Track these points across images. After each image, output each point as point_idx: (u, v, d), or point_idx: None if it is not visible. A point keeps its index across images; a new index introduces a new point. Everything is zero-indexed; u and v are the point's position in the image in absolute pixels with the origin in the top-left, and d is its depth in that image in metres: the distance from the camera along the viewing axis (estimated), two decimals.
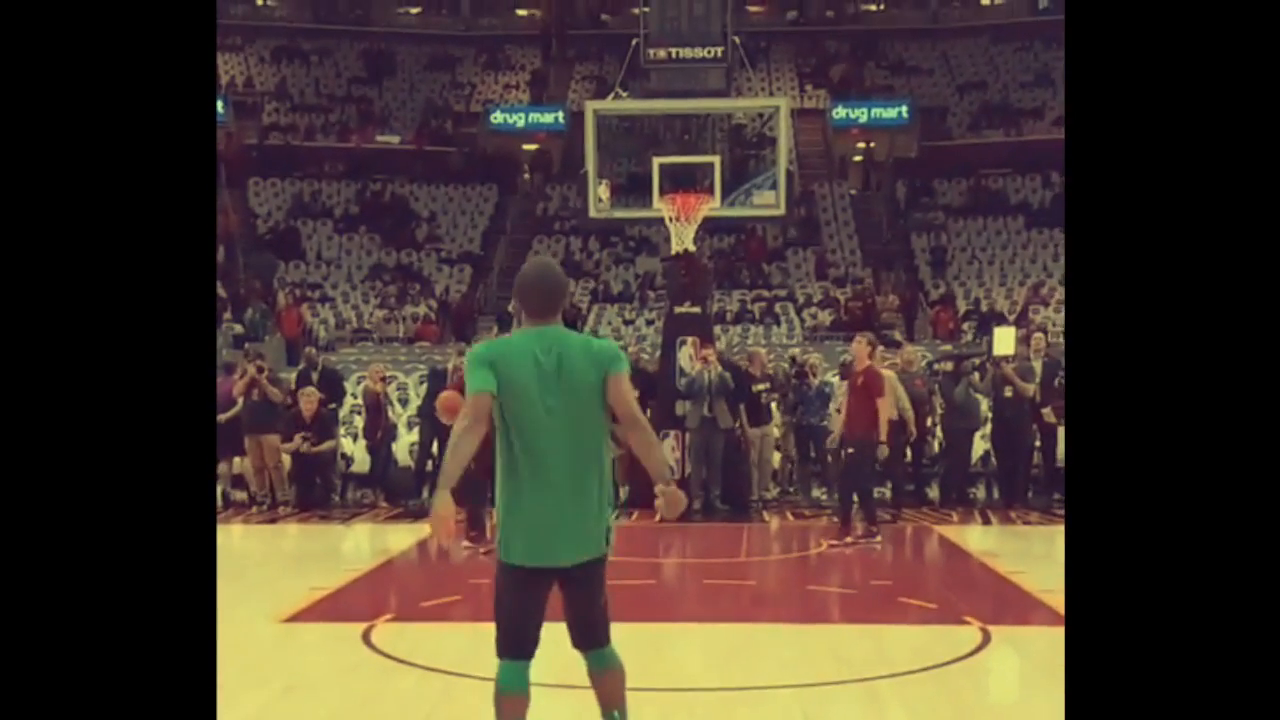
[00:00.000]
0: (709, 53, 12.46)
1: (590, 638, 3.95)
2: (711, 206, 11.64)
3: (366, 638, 6.64)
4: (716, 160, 12.37)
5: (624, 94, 12.62)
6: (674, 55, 12.33)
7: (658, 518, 11.07)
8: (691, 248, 12.04)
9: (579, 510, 3.77)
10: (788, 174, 12.84)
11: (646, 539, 10.66)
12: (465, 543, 9.75)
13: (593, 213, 12.20)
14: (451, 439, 3.78)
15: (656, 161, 11.87)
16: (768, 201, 12.49)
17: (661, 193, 11.74)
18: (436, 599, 7.91)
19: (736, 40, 13.03)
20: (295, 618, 7.35)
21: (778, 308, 24.34)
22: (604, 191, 11.81)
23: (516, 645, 3.85)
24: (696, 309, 12.65)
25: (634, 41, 12.96)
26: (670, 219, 11.54)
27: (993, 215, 28.34)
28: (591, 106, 11.39)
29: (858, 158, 31.89)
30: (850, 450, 9.99)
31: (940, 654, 6.20)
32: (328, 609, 7.70)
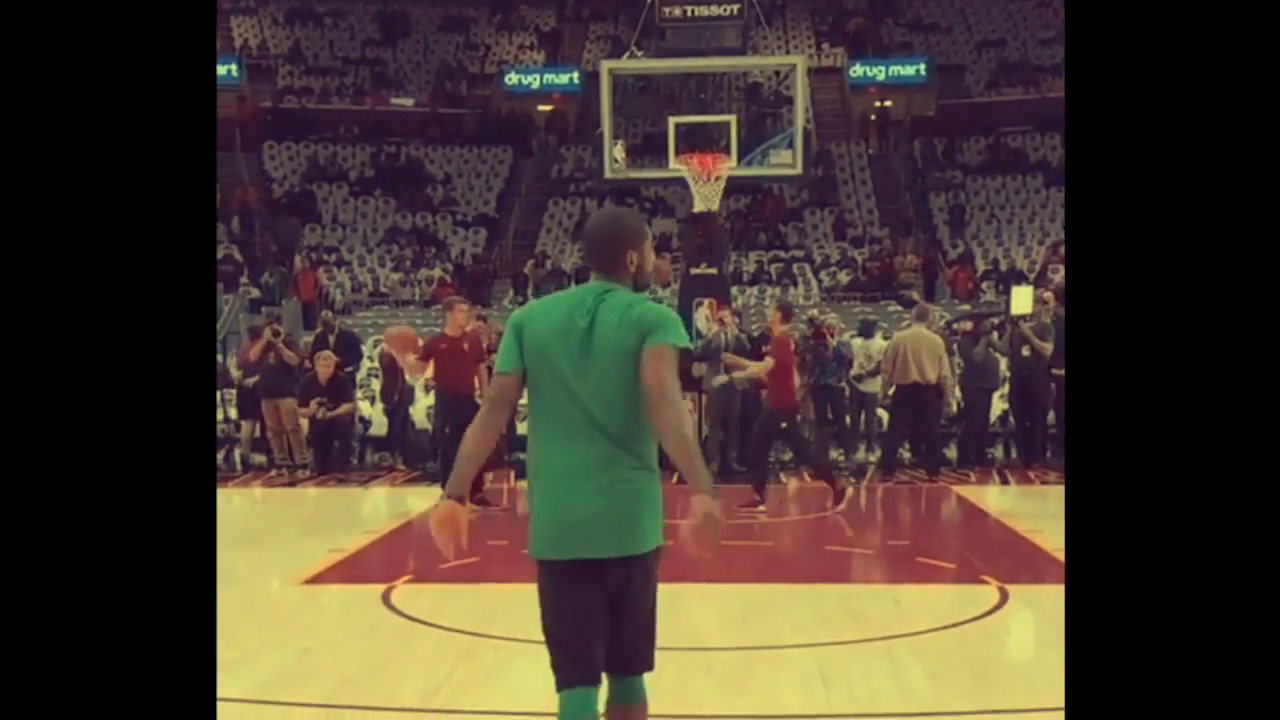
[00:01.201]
0: (725, 10, 12.31)
1: (620, 658, 3.21)
2: (729, 166, 11.55)
3: (386, 599, 6.67)
4: (733, 120, 12.26)
5: (640, 53, 12.49)
6: (689, 13, 12.19)
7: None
8: (715, 208, 11.96)
9: (612, 495, 3.11)
10: (805, 133, 12.72)
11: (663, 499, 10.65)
12: (472, 506, 9.78)
13: (608, 173, 12.12)
14: (469, 429, 3.33)
15: (672, 121, 11.76)
16: (785, 161, 12.39)
17: (677, 153, 11.66)
18: (453, 561, 7.91)
19: None
20: (315, 579, 7.40)
21: (795, 268, 24.24)
22: (620, 152, 11.72)
23: (570, 665, 3.16)
24: (713, 270, 12.59)
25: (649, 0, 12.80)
26: (693, 179, 11.44)
27: (1012, 174, 28.10)
28: (607, 66, 11.29)
29: (875, 116, 31.61)
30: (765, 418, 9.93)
31: (958, 613, 6.20)
32: (347, 571, 7.74)
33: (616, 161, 11.86)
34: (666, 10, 12.83)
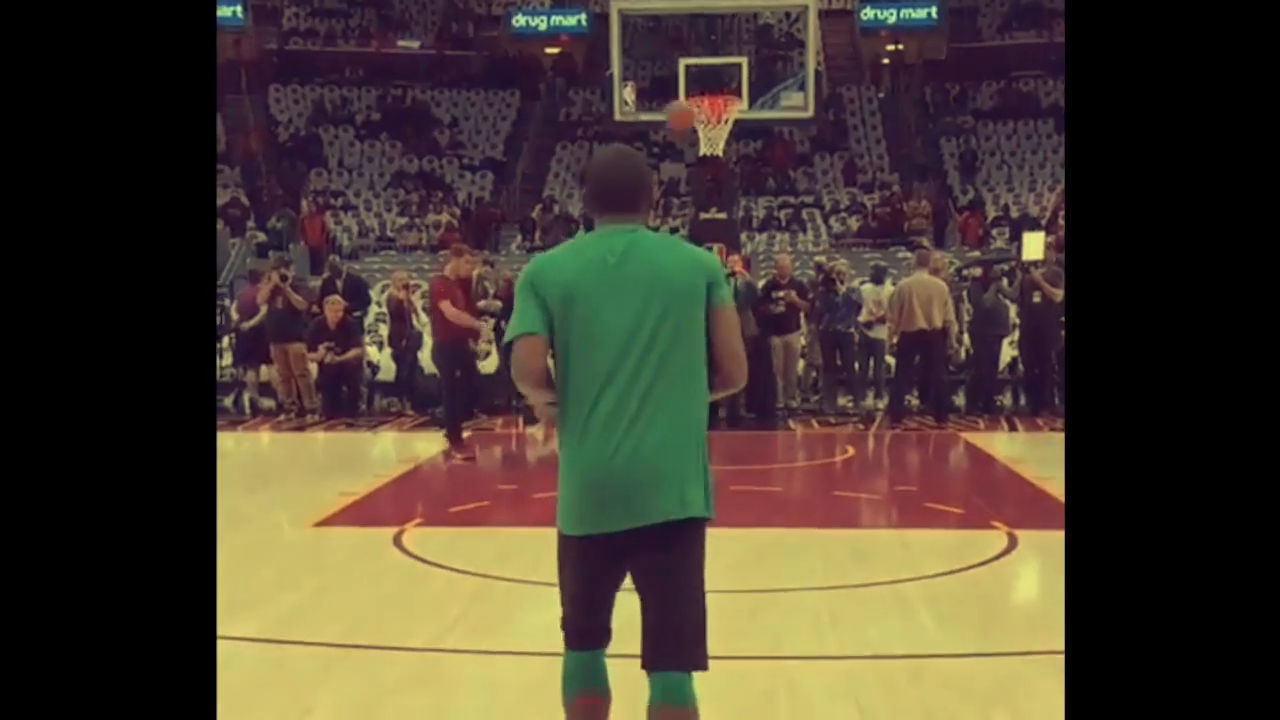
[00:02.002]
0: None
1: (661, 649, 2.81)
2: (739, 109, 11.43)
3: (397, 541, 6.72)
4: (744, 61, 12.12)
5: None
6: None
7: None
8: (720, 152, 11.86)
9: (645, 461, 2.78)
10: (816, 76, 12.58)
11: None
12: (458, 456, 9.90)
13: (618, 116, 12.01)
14: (525, 395, 3.11)
15: (683, 62, 11.62)
16: (795, 104, 12.27)
17: (688, 95, 11.54)
18: (465, 504, 7.98)
19: None
20: (326, 522, 7.44)
21: (804, 214, 24.12)
22: (630, 94, 11.61)
23: (577, 631, 2.98)
24: (722, 214, 12.52)
25: None
26: (700, 122, 11.34)
27: (1023, 119, 27.85)
28: (617, 6, 11.13)
29: (886, 60, 31.29)
30: None
31: (967, 558, 6.23)
32: (357, 514, 7.79)
33: (626, 104, 11.75)
34: None
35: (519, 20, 31.75)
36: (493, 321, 13.62)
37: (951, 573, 5.98)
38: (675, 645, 2.81)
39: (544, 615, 5.20)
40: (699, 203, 12.63)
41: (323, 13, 32.35)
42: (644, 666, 2.84)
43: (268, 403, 13.67)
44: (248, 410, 13.65)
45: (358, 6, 32.69)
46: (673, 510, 2.79)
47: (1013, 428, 12.01)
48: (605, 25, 32.44)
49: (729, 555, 6.50)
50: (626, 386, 2.80)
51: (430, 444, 10.77)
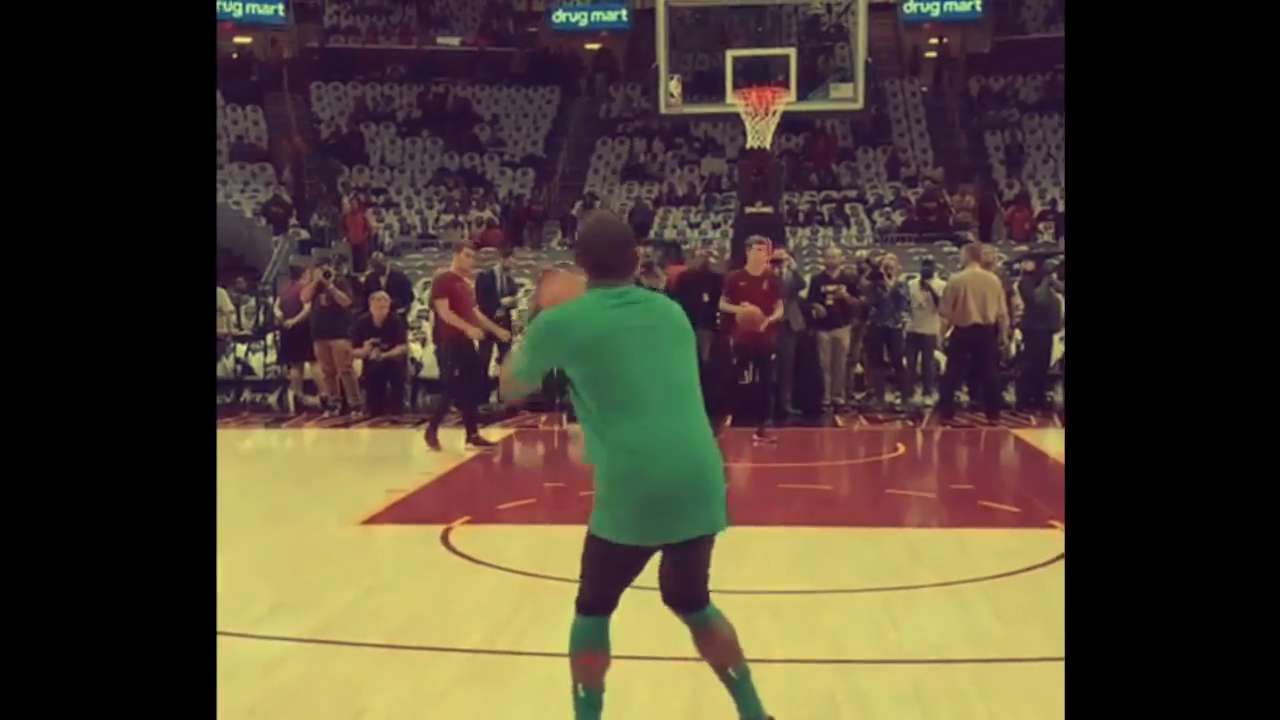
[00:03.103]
0: None
1: (691, 598, 3.49)
2: (787, 100, 11.27)
3: (445, 539, 6.65)
4: (792, 52, 11.95)
5: None
6: None
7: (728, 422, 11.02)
8: (768, 144, 11.71)
9: (705, 477, 3.32)
10: (866, 66, 12.39)
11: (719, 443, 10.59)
12: (469, 446, 10.03)
13: (663, 109, 11.88)
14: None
15: (730, 55, 11.47)
16: (845, 95, 12.10)
17: (735, 88, 11.38)
18: (512, 502, 7.91)
19: None
20: (373, 520, 7.39)
21: (847, 208, 23.90)
22: (675, 87, 11.47)
23: (600, 604, 3.44)
24: (768, 209, 12.37)
25: None
26: (747, 114, 11.19)
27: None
28: None
29: (930, 53, 30.95)
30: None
31: (1026, 558, 6.07)
32: (404, 511, 7.73)
33: (672, 97, 11.62)
34: None
35: (559, 16, 31.67)
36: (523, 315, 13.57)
37: (1012, 574, 5.82)
38: (702, 590, 3.49)
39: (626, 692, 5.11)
40: (744, 197, 12.48)
41: (364, 10, 32.43)
42: (681, 609, 3.49)
43: (312, 400, 13.68)
44: (292, 407, 13.66)
45: (399, 3, 32.75)
46: (722, 523, 3.36)
47: (1065, 424, 11.78)
48: (645, 21, 32.45)
49: (783, 554, 6.41)
50: (673, 414, 3.30)
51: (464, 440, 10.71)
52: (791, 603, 5.34)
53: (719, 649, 3.47)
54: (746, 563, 6.10)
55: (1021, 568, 5.89)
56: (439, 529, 6.89)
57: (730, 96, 11.53)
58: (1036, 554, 6.14)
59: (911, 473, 9.48)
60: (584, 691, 3.43)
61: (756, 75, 11.61)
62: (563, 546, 6.60)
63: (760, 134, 11.37)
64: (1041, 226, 22.45)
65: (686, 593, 3.45)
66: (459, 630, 4.98)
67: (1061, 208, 23.17)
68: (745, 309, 9.77)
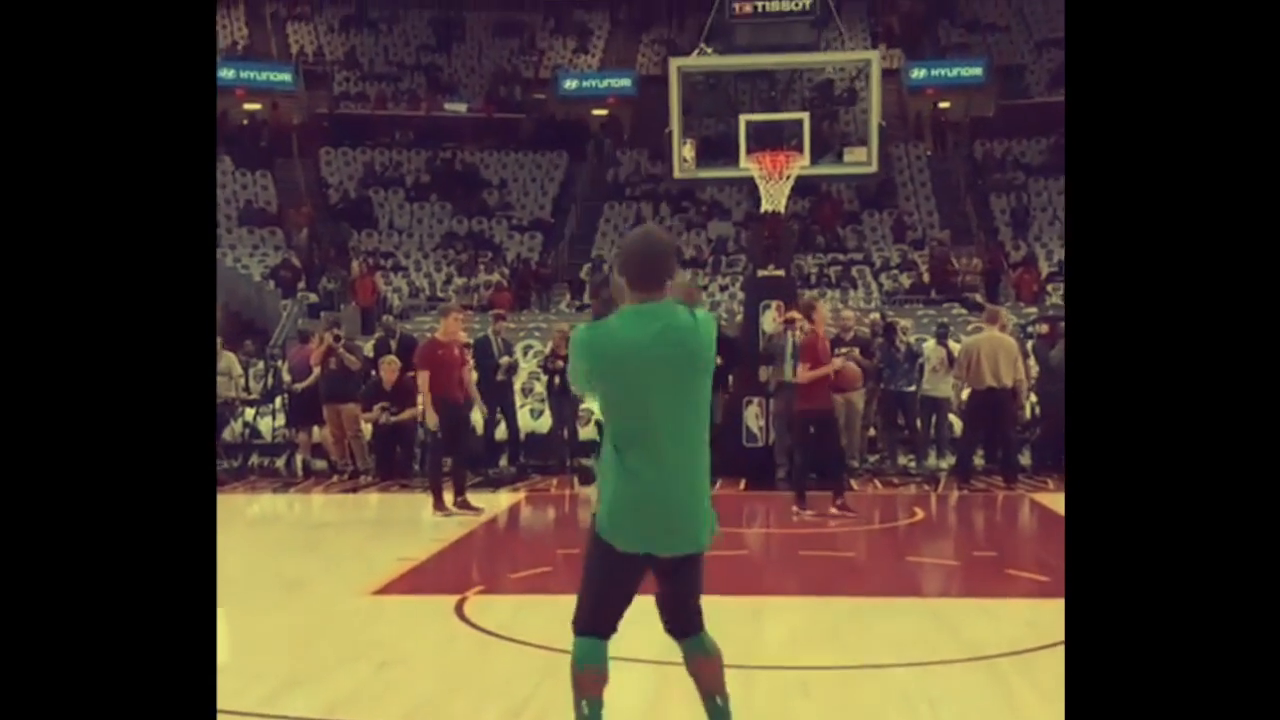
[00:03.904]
0: (796, 5, 12.02)
1: (687, 625, 3.76)
2: (801, 165, 11.24)
3: (459, 610, 6.46)
4: (805, 117, 11.95)
5: (709, 50, 12.19)
6: (760, 9, 11.91)
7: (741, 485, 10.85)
8: (782, 208, 11.66)
9: (694, 499, 3.59)
10: (880, 130, 12.37)
11: (731, 507, 10.41)
12: (455, 509, 9.92)
13: (677, 173, 11.85)
14: None
15: (743, 119, 11.45)
16: (859, 159, 12.07)
17: (748, 152, 11.36)
18: (526, 570, 7.72)
19: None
20: (385, 590, 7.20)
21: (854, 271, 23.87)
22: (689, 152, 11.44)
23: (599, 622, 3.68)
24: (780, 271, 12.31)
25: None
26: (761, 178, 11.16)
27: None
28: (676, 64, 10.98)
29: (941, 117, 31.11)
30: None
31: (1060, 630, 5.86)
32: (417, 581, 7.55)
33: (685, 161, 11.59)
34: (737, 7, 12.53)
35: (569, 84, 31.94)
36: (545, 378, 13.45)
37: (1047, 646, 5.62)
38: (698, 618, 3.75)
39: (621, 693, 4.91)
40: (756, 260, 12.41)
41: (373, 77, 32.74)
42: (677, 635, 3.77)
43: (320, 464, 13.52)
44: (300, 472, 13.49)
45: (408, 70, 33.06)
46: (705, 542, 3.63)
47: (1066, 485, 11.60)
48: (652, 87, 32.82)
49: (810, 626, 6.21)
50: (673, 440, 3.54)
51: (486, 504, 10.55)
52: (824, 680, 5.14)
53: (709, 676, 3.75)
54: (773, 634, 5.92)
55: (1057, 641, 5.67)
56: (452, 599, 6.71)
57: (744, 161, 11.51)
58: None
59: (933, 539, 9.28)
60: (588, 708, 3.68)
61: (769, 140, 11.59)
62: None
63: (774, 198, 11.31)
64: (1050, 288, 22.38)
65: (681, 617, 3.73)
66: (476, 711, 4.79)
67: None
68: (840, 364, 9.65)
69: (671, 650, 5.31)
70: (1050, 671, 5.21)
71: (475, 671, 5.43)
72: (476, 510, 10.08)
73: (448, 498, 10.10)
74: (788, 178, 11.15)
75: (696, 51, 11.87)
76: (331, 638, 6.12)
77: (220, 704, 3.08)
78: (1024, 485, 11.59)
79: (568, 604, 6.66)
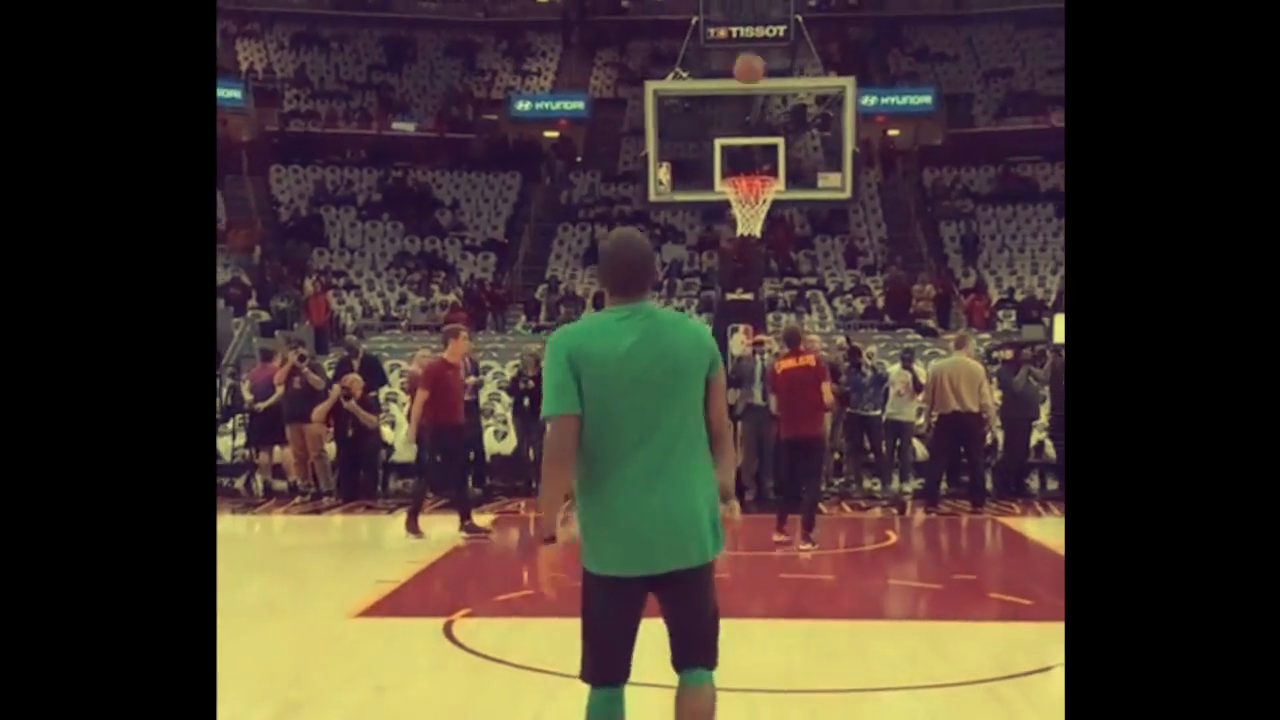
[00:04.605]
0: (771, 31, 12.12)
1: (688, 654, 3.40)
2: (777, 189, 11.31)
3: (448, 633, 6.39)
4: (780, 142, 12.04)
5: (684, 74, 12.26)
6: (734, 34, 11.97)
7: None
8: (758, 232, 11.73)
9: (683, 510, 3.26)
10: (837, 156, 12.51)
11: None
12: (463, 534, 9.80)
13: (653, 196, 11.87)
14: (543, 474, 3.37)
15: (719, 143, 11.51)
16: (833, 184, 12.18)
17: (723, 177, 11.42)
18: (510, 593, 7.66)
19: (800, 19, 12.67)
20: (368, 612, 7.10)
21: (808, 295, 24.05)
22: (664, 174, 11.48)
23: (608, 668, 3.37)
24: (749, 295, 12.38)
25: (694, 20, 12.57)
26: (738, 202, 11.22)
27: (1022, 203, 28.00)
28: (652, 86, 11.02)
29: (891, 145, 31.48)
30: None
31: (1053, 654, 5.92)
32: (399, 604, 7.46)
33: (661, 183, 11.62)
34: (712, 31, 12.63)
35: (521, 105, 31.94)
36: (509, 400, 13.40)
37: (1042, 670, 5.68)
38: (701, 649, 3.40)
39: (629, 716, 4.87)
40: (725, 283, 12.48)
41: (323, 94, 32.51)
42: (676, 667, 3.41)
43: (280, 484, 13.31)
44: (260, 492, 13.29)
45: (358, 89, 32.86)
46: (706, 555, 3.31)
47: (1050, 513, 11.75)
48: (604, 110, 32.99)
49: (804, 649, 6.21)
50: (654, 450, 3.25)
51: (452, 527, 10.45)
52: (827, 703, 5.15)
53: (689, 716, 3.40)
54: (767, 655, 5.91)
55: (1052, 664, 5.74)
56: (439, 622, 6.63)
57: (719, 184, 11.56)
58: (1057, 651, 6.01)
59: (911, 562, 9.34)
60: None
61: (741, 164, 11.66)
62: (573, 641, 6.40)
63: (750, 221, 11.37)
64: (1001, 314, 22.72)
65: (678, 644, 3.39)
66: None
67: (1019, 295, 23.51)
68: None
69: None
70: (1051, 697, 5.26)
71: (475, 696, 5.37)
72: (486, 532, 9.99)
73: (476, 519, 10.02)
74: (764, 201, 11.22)
75: (671, 75, 11.95)
76: (321, 662, 6.02)
77: None
78: (990, 509, 11.72)
79: (559, 626, 6.61)
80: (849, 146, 11.81)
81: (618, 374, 3.24)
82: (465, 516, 9.99)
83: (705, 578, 3.35)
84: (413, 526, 9.93)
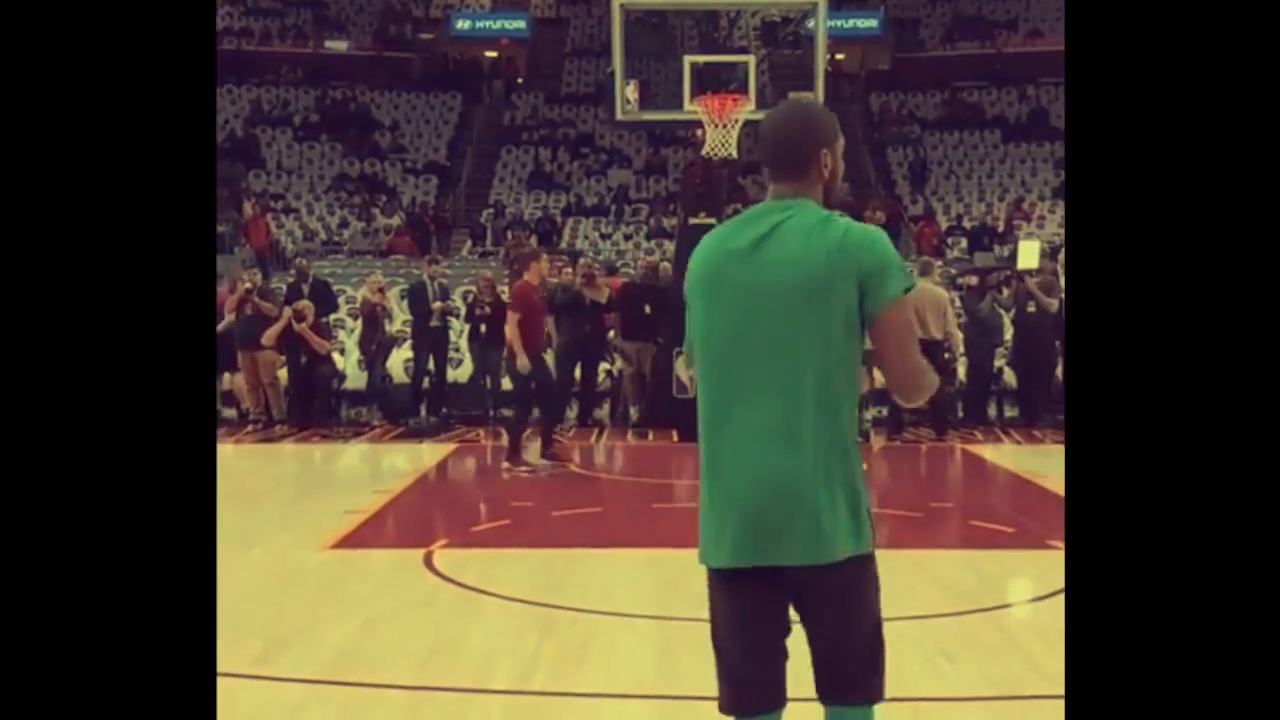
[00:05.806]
0: None
1: (830, 679, 2.55)
2: (749, 109, 11.04)
3: (429, 565, 6.22)
4: (751, 60, 11.76)
5: None
6: None
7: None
8: (733, 153, 11.45)
9: (806, 488, 2.42)
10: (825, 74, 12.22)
11: (665, 460, 10.33)
12: (505, 464, 9.40)
13: (619, 115, 11.52)
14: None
15: (688, 60, 11.19)
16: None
17: (691, 96, 11.11)
18: (486, 524, 7.48)
19: None
20: (343, 544, 6.90)
21: None
22: (632, 93, 11.15)
23: (733, 694, 2.56)
24: (713, 220, 12.14)
25: None
26: (709, 122, 10.93)
27: (969, 129, 27.96)
28: (619, 1, 10.66)
29: (830, 69, 31.21)
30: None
31: (1047, 583, 5.88)
32: (373, 535, 7.27)
33: (629, 102, 11.30)
34: None
35: (461, 24, 31.14)
36: (459, 326, 13.12)
37: (1041, 599, 5.65)
38: (838, 678, 2.55)
39: (625, 649, 4.75)
40: (687, 206, 12.22)
41: (257, 11, 31.43)
42: (819, 694, 2.59)
43: (230, 413, 12.96)
44: None
45: (293, 6, 31.81)
46: (834, 551, 2.45)
47: (1012, 439, 11.80)
48: (546, 29, 32.34)
49: None
50: (773, 397, 2.43)
51: (424, 456, 10.24)
52: None
53: None
54: None
55: (1048, 593, 5.69)
56: (418, 553, 6.46)
57: (689, 103, 11.25)
58: (1054, 579, 5.98)
59: (890, 491, 9.28)
60: None
61: (709, 84, 11.36)
62: (558, 573, 6.28)
63: (722, 143, 11.09)
64: (950, 241, 22.74)
65: (820, 667, 2.55)
66: (484, 670, 4.58)
67: (968, 223, 23.55)
68: None
69: (673, 606, 5.18)
70: (1054, 627, 5.21)
71: (469, 628, 5.21)
72: (565, 463, 9.65)
73: (532, 452, 9.62)
74: (736, 122, 10.95)
75: None
76: (303, 595, 5.83)
77: None
78: (953, 436, 11.73)
79: (543, 558, 6.49)
80: (820, 65, 11.55)
81: (711, 301, 2.50)
82: (548, 444, 9.60)
83: (843, 581, 2.50)
84: (516, 459, 9.39)
